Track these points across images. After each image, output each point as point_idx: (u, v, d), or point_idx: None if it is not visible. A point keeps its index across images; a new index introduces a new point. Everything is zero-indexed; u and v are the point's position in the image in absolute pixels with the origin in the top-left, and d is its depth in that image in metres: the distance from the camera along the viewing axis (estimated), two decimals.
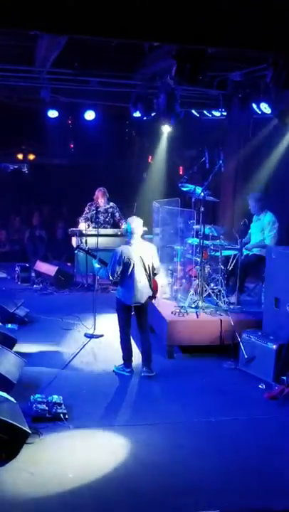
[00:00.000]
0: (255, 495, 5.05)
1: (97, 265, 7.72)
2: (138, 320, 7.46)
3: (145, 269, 7.27)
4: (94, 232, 10.70)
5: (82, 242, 8.05)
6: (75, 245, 11.27)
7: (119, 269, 7.18)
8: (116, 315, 7.61)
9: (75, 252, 8.07)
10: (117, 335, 7.63)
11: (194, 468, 5.43)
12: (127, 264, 7.18)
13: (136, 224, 7.32)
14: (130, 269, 7.19)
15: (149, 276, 7.32)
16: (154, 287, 7.46)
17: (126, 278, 7.22)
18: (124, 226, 11.41)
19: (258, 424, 6.29)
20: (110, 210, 11.53)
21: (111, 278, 7.31)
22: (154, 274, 7.49)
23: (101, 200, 11.40)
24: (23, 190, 14.94)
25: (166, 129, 11.96)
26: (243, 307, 8.68)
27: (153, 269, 7.40)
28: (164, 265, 9.06)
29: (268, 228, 9.03)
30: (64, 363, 7.75)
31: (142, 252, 7.28)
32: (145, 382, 7.26)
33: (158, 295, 7.85)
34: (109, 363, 7.64)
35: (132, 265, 7.19)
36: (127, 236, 7.50)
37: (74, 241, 11.31)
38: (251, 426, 6.25)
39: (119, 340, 7.55)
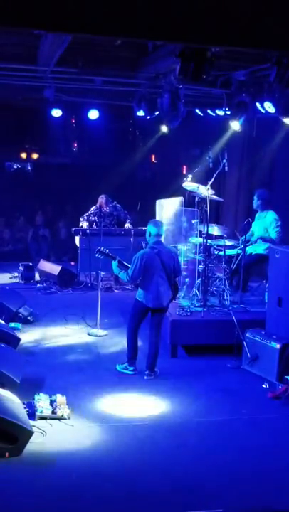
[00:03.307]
0: (258, 494, 5.05)
1: (116, 268, 7.52)
2: (153, 322, 7.42)
3: (167, 273, 7.28)
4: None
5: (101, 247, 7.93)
6: (78, 244, 11.29)
7: (140, 273, 7.19)
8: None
9: (96, 254, 7.96)
10: (121, 334, 7.63)
11: (197, 467, 5.44)
12: (148, 268, 7.18)
13: (158, 227, 7.33)
14: (152, 273, 7.20)
15: (170, 280, 7.33)
16: (174, 290, 7.47)
17: (148, 281, 7.22)
18: (128, 225, 11.42)
19: (261, 424, 6.29)
20: (115, 213, 11.52)
21: (132, 282, 7.31)
22: (175, 277, 7.50)
23: (105, 207, 11.41)
24: (26, 190, 14.93)
25: (169, 129, 11.90)
26: (247, 306, 8.68)
27: (174, 272, 7.41)
28: None
29: (271, 226, 9.04)
30: (68, 362, 7.76)
31: (164, 255, 7.28)
32: (148, 382, 7.26)
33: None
34: (112, 362, 7.64)
35: (153, 269, 7.20)
36: (148, 239, 7.45)
37: (77, 240, 11.31)
38: (254, 425, 6.25)
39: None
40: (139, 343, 7.51)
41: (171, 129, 11.34)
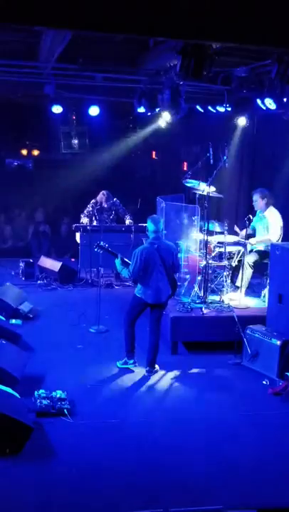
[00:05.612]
0: (258, 490, 5.06)
1: (119, 266, 7.55)
2: (153, 318, 7.44)
3: (166, 269, 7.28)
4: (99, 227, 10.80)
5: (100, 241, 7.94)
6: (78, 241, 11.29)
7: (141, 268, 7.19)
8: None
9: (95, 249, 7.97)
10: (121, 330, 7.62)
11: (197, 463, 5.45)
12: (148, 264, 7.19)
13: (157, 223, 7.34)
14: (151, 269, 7.21)
15: (169, 275, 7.33)
16: (173, 286, 7.47)
17: (147, 277, 7.23)
18: (128, 221, 11.43)
19: (261, 420, 6.31)
20: (114, 208, 11.53)
21: (133, 278, 7.32)
22: (174, 273, 7.50)
23: (105, 204, 11.42)
24: (27, 186, 14.91)
25: (166, 124, 11.83)
26: (247, 303, 8.68)
27: (173, 268, 7.41)
28: None
29: (273, 225, 9.00)
30: (68, 358, 7.77)
31: (163, 251, 7.29)
32: (149, 379, 7.27)
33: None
34: (113, 359, 7.65)
35: (152, 264, 7.20)
36: (148, 235, 7.46)
37: (78, 237, 11.31)
38: (255, 422, 6.27)
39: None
40: (139, 340, 7.52)
41: (170, 124, 11.32)
